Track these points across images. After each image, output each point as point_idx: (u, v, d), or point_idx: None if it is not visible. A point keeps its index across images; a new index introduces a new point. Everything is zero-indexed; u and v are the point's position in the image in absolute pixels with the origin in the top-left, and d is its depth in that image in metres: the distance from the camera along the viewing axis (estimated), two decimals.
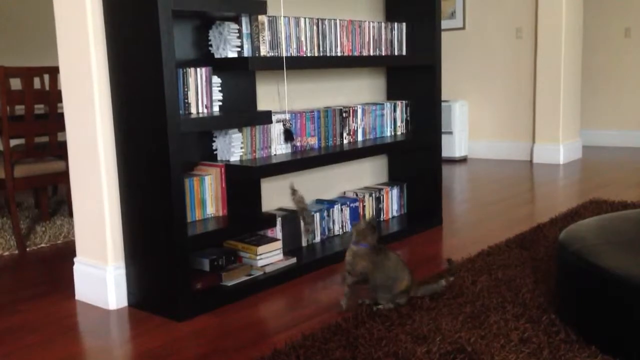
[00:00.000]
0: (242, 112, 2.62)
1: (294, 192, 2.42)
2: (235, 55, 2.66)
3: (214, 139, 2.76)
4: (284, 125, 2.90)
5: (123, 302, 2.51)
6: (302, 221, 2.98)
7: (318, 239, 3.15)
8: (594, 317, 1.92)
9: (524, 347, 1.93)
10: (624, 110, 6.67)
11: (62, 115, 3.49)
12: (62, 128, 3.40)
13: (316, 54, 2.99)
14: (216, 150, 2.76)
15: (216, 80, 2.62)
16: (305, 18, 2.93)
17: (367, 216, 3.40)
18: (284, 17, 2.84)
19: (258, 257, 2.70)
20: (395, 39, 3.44)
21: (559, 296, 2.17)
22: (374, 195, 3.47)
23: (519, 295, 2.37)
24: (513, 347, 1.93)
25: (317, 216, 3.13)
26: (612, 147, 6.72)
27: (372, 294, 2.34)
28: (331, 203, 3.26)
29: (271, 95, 3.07)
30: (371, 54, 3.29)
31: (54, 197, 4.84)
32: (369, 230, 2.32)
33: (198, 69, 2.53)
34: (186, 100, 2.51)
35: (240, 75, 2.79)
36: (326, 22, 3.03)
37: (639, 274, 1.80)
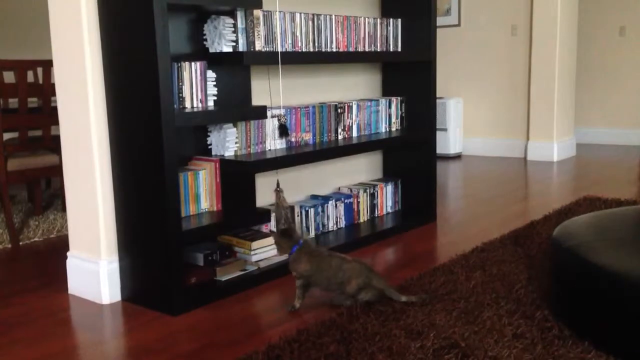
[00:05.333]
0: (236, 106, 2.61)
1: (279, 191, 2.38)
2: (230, 49, 2.65)
3: (208, 133, 2.76)
4: (279, 120, 2.89)
5: (116, 297, 2.50)
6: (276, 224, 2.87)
7: (312, 234, 3.15)
8: (587, 313, 1.93)
9: (517, 343, 1.94)
10: (618, 108, 6.69)
11: (55, 108, 3.47)
12: (55, 121, 3.39)
13: (311, 50, 2.98)
14: (211, 145, 2.76)
15: (211, 74, 2.62)
16: (300, 13, 2.92)
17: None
18: (279, 12, 2.83)
19: (252, 252, 2.69)
20: (390, 35, 3.44)
21: (552, 292, 2.18)
22: (368, 191, 3.48)
23: (513, 291, 2.37)
24: (506, 343, 1.94)
25: (311, 211, 3.13)
26: (606, 145, 6.74)
27: (326, 292, 2.34)
28: (325, 199, 3.26)
29: (266, 90, 3.06)
30: (366, 49, 3.29)
31: (47, 190, 4.82)
32: (281, 239, 2.32)
33: (193, 63, 2.52)
34: (181, 95, 2.50)
35: (235, 69, 2.78)
36: (321, 18, 3.02)
37: (631, 270, 1.80)
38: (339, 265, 2.28)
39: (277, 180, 2.64)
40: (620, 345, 1.82)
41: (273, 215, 2.89)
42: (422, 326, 2.08)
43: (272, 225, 2.91)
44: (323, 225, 3.22)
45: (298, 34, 2.92)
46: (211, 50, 2.66)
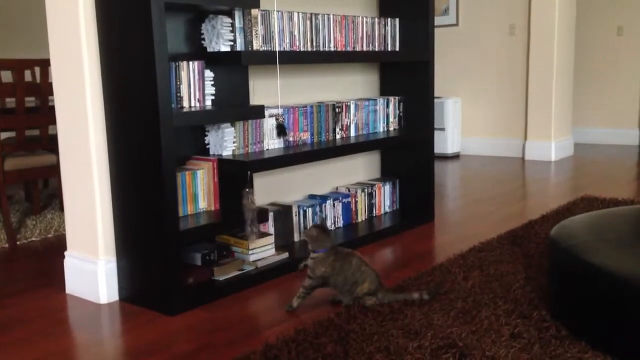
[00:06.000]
0: (234, 106, 2.61)
1: (248, 192, 2.34)
2: (228, 49, 2.65)
3: (206, 133, 2.75)
4: (276, 120, 2.89)
5: (114, 296, 2.50)
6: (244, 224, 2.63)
7: None
8: (585, 312, 1.93)
9: (514, 343, 1.94)
10: (615, 108, 6.70)
11: (53, 108, 3.47)
12: (53, 121, 3.38)
13: (309, 49, 2.98)
14: (208, 144, 2.75)
15: (209, 74, 2.61)
16: (298, 12, 2.92)
17: (311, 223, 3.20)
18: (277, 11, 2.83)
19: (250, 252, 2.69)
20: (388, 35, 3.43)
21: (549, 292, 2.18)
22: (366, 190, 3.47)
23: (510, 291, 2.37)
24: (504, 343, 1.94)
25: (309, 211, 3.13)
26: (603, 144, 6.75)
27: (335, 292, 2.34)
28: (323, 198, 3.26)
29: (264, 89, 3.06)
30: (364, 49, 3.28)
31: (44, 190, 4.81)
32: (321, 235, 2.31)
33: (191, 63, 2.51)
34: (178, 94, 2.50)
35: (233, 69, 2.78)
36: (319, 17, 3.02)
37: (629, 270, 1.80)
38: (358, 266, 2.28)
39: (250, 181, 2.60)
40: (618, 345, 1.82)
41: (271, 215, 2.89)
42: (419, 326, 2.08)
43: (270, 225, 2.91)
44: None
45: (296, 33, 2.92)
46: (209, 49, 2.66)
